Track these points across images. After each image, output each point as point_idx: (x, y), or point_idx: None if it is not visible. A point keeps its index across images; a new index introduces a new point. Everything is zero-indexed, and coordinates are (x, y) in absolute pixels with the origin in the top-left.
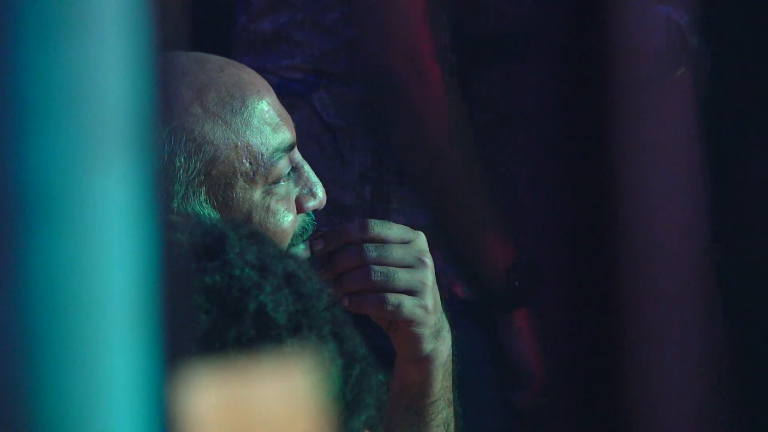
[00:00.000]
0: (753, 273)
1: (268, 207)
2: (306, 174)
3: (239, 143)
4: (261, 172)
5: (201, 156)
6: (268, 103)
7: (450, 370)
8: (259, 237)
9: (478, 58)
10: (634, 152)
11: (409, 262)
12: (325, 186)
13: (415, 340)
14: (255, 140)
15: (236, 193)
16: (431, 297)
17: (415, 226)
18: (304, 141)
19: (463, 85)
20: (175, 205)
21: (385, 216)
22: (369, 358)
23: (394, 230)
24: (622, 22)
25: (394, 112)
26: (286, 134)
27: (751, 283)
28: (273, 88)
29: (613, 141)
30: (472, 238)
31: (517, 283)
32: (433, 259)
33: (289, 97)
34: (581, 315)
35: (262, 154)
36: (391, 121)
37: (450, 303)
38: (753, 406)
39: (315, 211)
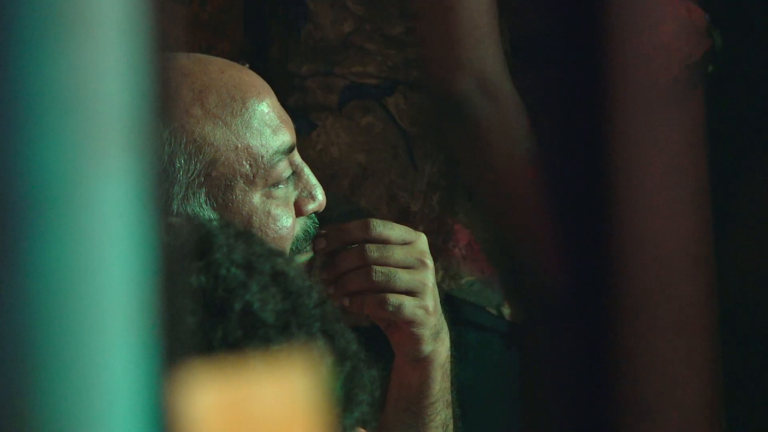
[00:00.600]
0: (754, 277)
1: (269, 212)
2: (306, 176)
3: (239, 145)
4: (261, 174)
5: (201, 157)
6: (268, 105)
7: (449, 371)
8: (247, 236)
9: None
10: (638, 159)
11: (410, 263)
12: (395, 192)
13: (415, 341)
14: (255, 142)
15: (236, 195)
16: (431, 298)
17: (480, 241)
18: (377, 145)
19: None
20: (175, 206)
21: (453, 228)
22: (361, 355)
23: (395, 231)
24: (636, 28)
25: (458, 131)
26: (286, 136)
27: (752, 288)
28: (344, 90)
29: (613, 151)
30: (533, 256)
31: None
32: (485, 276)
33: (361, 98)
34: (581, 322)
35: (262, 156)
36: (454, 139)
37: (493, 323)
38: (750, 411)
39: (317, 213)
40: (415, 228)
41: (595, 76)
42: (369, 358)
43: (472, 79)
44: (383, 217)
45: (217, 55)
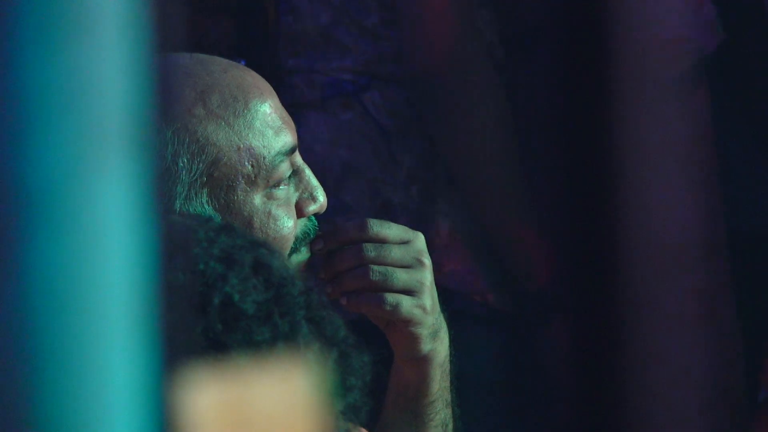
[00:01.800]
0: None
1: (269, 212)
2: (307, 178)
3: (242, 145)
4: (262, 174)
5: (204, 157)
6: (270, 105)
7: (448, 370)
8: (228, 229)
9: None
10: (640, 154)
11: (408, 262)
12: (375, 186)
13: (413, 340)
14: (257, 143)
15: (237, 196)
16: (429, 297)
17: (462, 230)
18: (356, 141)
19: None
20: (178, 206)
21: (433, 218)
22: (350, 341)
23: (393, 230)
24: (643, 21)
25: (435, 115)
26: (287, 137)
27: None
28: (324, 87)
29: (618, 143)
30: (514, 243)
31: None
32: (467, 264)
33: (340, 96)
34: (582, 321)
35: (264, 157)
36: (433, 124)
37: (479, 310)
38: None
39: (317, 215)
40: (396, 219)
41: (598, 70)
42: (359, 343)
43: (444, 60)
44: (366, 211)
45: (208, 43)
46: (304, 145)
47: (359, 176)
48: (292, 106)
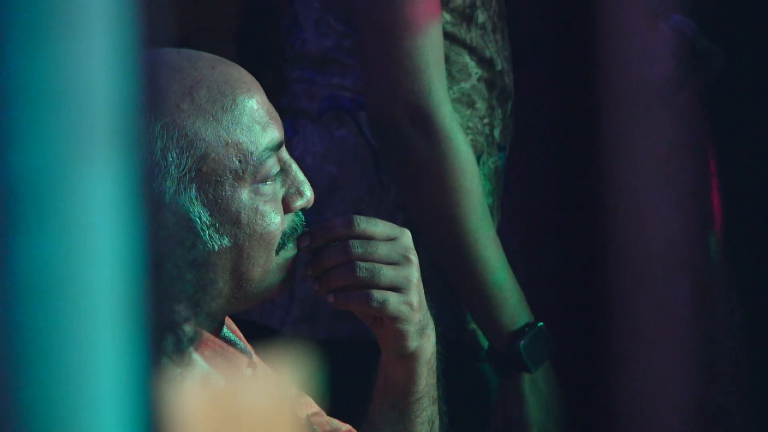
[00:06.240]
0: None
1: (257, 208)
2: (294, 173)
3: (229, 141)
4: (250, 170)
5: (193, 152)
6: (257, 101)
7: (435, 367)
8: None
9: None
10: (626, 162)
11: (395, 259)
12: (360, 207)
13: (400, 336)
14: (244, 138)
15: (225, 191)
16: (416, 294)
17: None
18: (346, 158)
19: None
20: (167, 200)
21: (416, 249)
22: None
23: (379, 227)
24: (625, 50)
25: (396, 163)
26: (274, 133)
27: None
28: (322, 100)
29: (608, 150)
30: (478, 295)
31: (522, 344)
32: (442, 300)
33: (337, 111)
34: (574, 320)
35: (252, 153)
36: (395, 170)
37: (447, 348)
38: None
39: (304, 210)
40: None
41: (586, 80)
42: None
43: (406, 112)
44: None
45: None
46: (296, 155)
47: (345, 194)
48: (290, 112)
